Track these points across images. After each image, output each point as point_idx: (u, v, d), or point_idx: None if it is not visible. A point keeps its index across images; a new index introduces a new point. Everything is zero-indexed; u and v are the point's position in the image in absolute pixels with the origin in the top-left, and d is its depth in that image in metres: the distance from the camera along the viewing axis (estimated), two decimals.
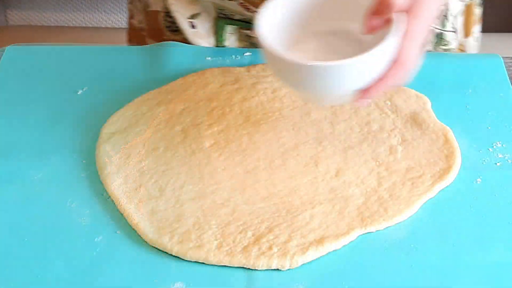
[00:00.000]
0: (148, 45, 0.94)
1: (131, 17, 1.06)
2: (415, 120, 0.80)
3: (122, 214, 0.71)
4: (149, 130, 0.80)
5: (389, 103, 0.82)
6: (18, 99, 0.86)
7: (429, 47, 0.95)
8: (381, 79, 0.65)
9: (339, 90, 0.67)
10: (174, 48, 0.93)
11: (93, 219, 0.71)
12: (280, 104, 0.83)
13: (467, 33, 1.00)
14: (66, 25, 2.09)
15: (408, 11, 0.65)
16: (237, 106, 0.83)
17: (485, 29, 2.07)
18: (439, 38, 0.96)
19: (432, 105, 0.83)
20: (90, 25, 2.08)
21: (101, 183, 0.75)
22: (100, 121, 0.82)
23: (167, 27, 0.99)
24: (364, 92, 0.66)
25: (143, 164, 0.76)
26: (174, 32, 0.99)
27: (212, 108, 0.83)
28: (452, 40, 0.97)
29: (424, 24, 0.66)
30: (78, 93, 0.87)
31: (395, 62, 0.65)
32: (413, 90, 0.84)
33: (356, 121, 0.80)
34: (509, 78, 0.87)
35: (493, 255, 0.66)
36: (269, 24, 0.67)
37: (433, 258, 0.66)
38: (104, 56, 0.93)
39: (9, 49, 0.94)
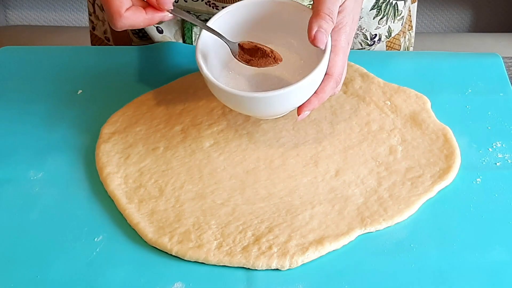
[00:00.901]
0: (148, 45, 0.94)
1: (93, 29, 1.05)
2: (415, 120, 0.80)
3: (122, 214, 0.71)
4: (149, 130, 0.80)
5: (389, 103, 0.82)
6: (18, 99, 0.86)
7: (387, 23, 0.98)
8: (316, 93, 0.72)
9: (281, 111, 0.75)
10: (174, 48, 0.93)
11: (93, 219, 0.71)
12: None
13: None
14: (66, 25, 2.09)
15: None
16: None
17: (485, 29, 2.07)
18: (395, 9, 0.97)
19: (431, 105, 0.83)
20: None
21: (101, 183, 0.75)
22: (100, 121, 0.82)
23: (134, 34, 0.99)
24: (302, 107, 0.72)
25: (143, 164, 0.76)
26: (143, 38, 0.99)
27: (212, 108, 0.83)
28: (403, 9, 0.98)
29: (348, 36, 0.73)
30: (78, 93, 0.87)
31: (326, 75, 0.71)
32: (413, 90, 0.84)
33: (356, 121, 0.80)
34: (509, 78, 0.87)
35: (493, 255, 0.66)
36: (206, 52, 0.74)
37: (433, 258, 0.66)
38: (104, 56, 0.93)
39: (4, 50, 0.94)
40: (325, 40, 0.70)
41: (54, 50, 0.95)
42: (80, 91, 0.87)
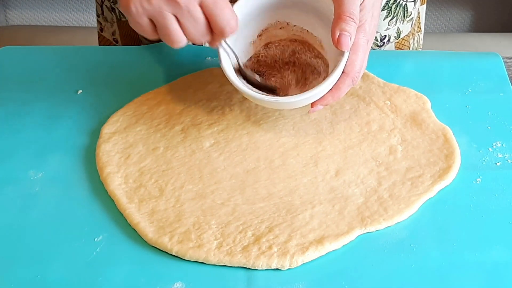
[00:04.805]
0: (148, 45, 0.94)
1: (101, 30, 1.05)
2: (414, 120, 0.80)
3: (122, 214, 0.71)
4: (149, 130, 0.80)
5: (389, 103, 0.82)
6: (18, 99, 0.86)
7: (396, 24, 0.98)
8: (331, 91, 0.74)
9: (299, 106, 0.77)
10: (174, 48, 0.93)
11: (93, 219, 0.71)
12: None
13: (423, 1, 1.03)
14: (66, 25, 2.09)
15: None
16: (237, 106, 0.83)
17: (485, 29, 2.07)
18: (405, 11, 0.97)
19: (431, 105, 0.83)
20: (90, 25, 2.08)
21: (101, 183, 0.75)
22: (100, 121, 0.82)
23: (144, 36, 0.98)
24: (316, 102, 0.75)
25: (143, 164, 0.76)
26: (152, 41, 0.98)
27: (212, 108, 0.83)
28: (413, 10, 0.98)
29: (367, 34, 0.73)
30: (78, 93, 0.87)
31: (343, 73, 0.73)
32: (412, 90, 0.84)
33: (356, 121, 0.80)
34: (509, 78, 0.87)
35: (493, 255, 0.66)
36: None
37: (433, 258, 0.66)
38: (104, 56, 0.93)
39: (4, 50, 0.94)
40: (349, 43, 0.71)
41: (54, 50, 0.95)
42: (80, 91, 0.87)
